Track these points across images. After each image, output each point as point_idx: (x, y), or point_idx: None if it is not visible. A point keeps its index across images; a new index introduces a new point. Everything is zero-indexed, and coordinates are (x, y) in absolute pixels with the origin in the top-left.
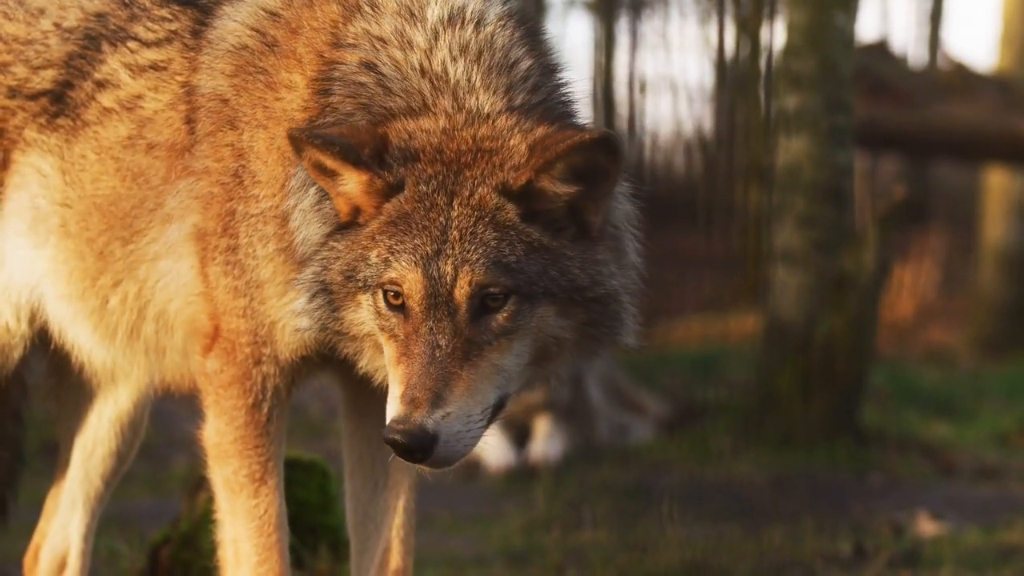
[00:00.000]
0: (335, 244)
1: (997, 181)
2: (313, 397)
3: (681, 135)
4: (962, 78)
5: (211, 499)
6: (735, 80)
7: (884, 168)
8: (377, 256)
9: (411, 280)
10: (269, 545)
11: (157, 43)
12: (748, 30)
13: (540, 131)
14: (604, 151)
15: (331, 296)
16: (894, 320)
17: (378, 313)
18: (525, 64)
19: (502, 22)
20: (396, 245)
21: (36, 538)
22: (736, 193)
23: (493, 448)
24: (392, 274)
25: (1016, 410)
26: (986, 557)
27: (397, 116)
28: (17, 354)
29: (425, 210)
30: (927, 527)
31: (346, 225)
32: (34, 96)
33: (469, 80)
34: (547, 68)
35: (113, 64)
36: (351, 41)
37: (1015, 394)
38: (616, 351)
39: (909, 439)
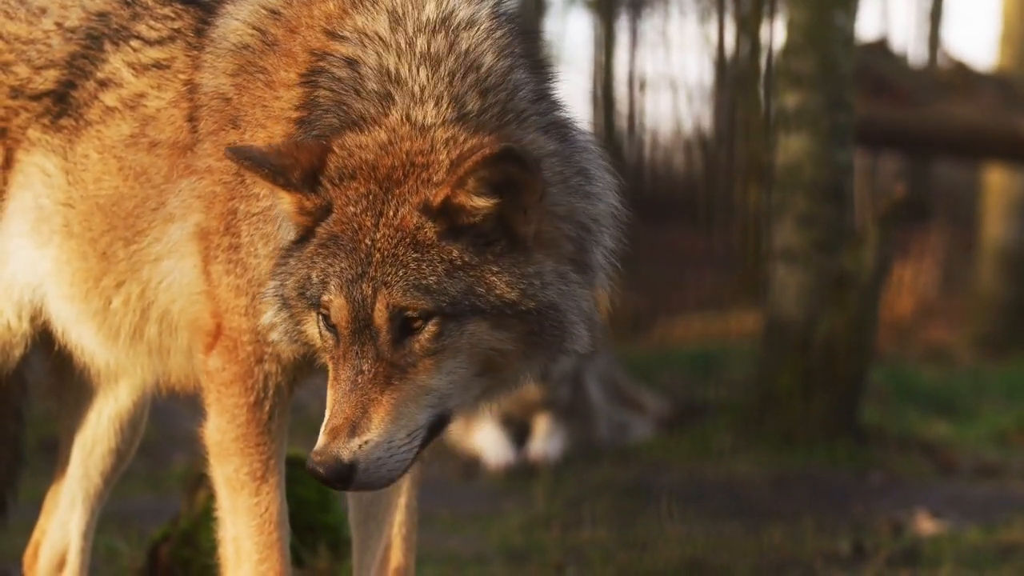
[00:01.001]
0: (290, 259)
1: (997, 180)
2: (313, 395)
3: (681, 134)
4: (962, 77)
5: (211, 497)
6: (735, 78)
7: (884, 167)
8: (316, 277)
9: (336, 305)
10: (270, 543)
11: (160, 41)
12: (748, 28)
13: (467, 144)
14: (512, 163)
15: (292, 310)
16: (894, 319)
17: (320, 334)
18: (494, 68)
19: (485, 25)
20: (328, 268)
21: (36, 535)
22: (736, 192)
23: (493, 447)
24: (324, 297)
25: (1016, 409)
26: (986, 556)
27: (351, 125)
28: (18, 353)
29: (352, 232)
30: (927, 526)
31: (299, 241)
32: (37, 96)
33: (422, 88)
34: (522, 70)
35: (116, 63)
36: (343, 34)
37: (1015, 393)
38: (614, 350)
39: (909, 438)
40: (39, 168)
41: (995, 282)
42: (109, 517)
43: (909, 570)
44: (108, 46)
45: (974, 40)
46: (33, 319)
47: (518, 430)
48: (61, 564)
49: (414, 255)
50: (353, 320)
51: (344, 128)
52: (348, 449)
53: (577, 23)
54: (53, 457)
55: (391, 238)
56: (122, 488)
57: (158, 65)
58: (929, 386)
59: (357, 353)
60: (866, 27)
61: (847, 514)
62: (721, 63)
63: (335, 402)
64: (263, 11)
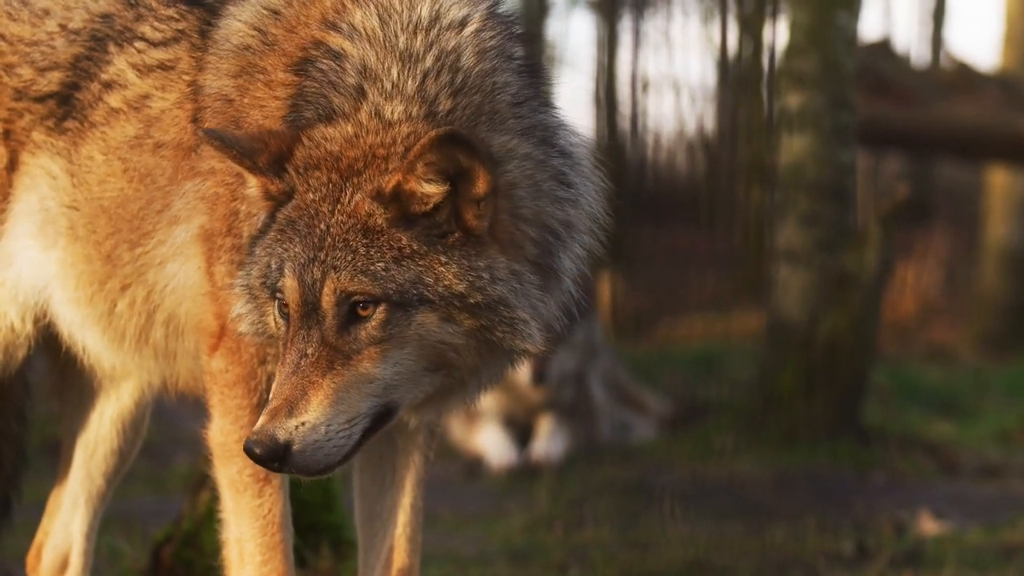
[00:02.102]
0: (255, 249)
1: (999, 180)
2: None
3: (684, 134)
4: (964, 77)
5: (214, 498)
6: (738, 79)
7: (887, 167)
8: (275, 263)
9: (289, 288)
10: (273, 544)
11: (164, 43)
12: (751, 29)
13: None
14: (459, 148)
15: (257, 301)
16: (896, 319)
17: (275, 321)
18: (474, 69)
19: (475, 26)
20: (284, 252)
21: (38, 536)
22: (738, 192)
23: (496, 447)
24: (280, 282)
25: (1018, 408)
26: (988, 556)
27: (325, 118)
28: (21, 354)
29: (309, 218)
30: (929, 526)
31: (263, 229)
32: (41, 98)
33: (393, 85)
34: (507, 73)
35: (120, 64)
36: (339, 24)
37: (1017, 392)
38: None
39: (911, 438)
40: (44, 170)
41: (997, 282)
42: (112, 518)
43: (912, 570)
44: (112, 47)
45: (977, 40)
46: (37, 321)
47: (521, 431)
48: (64, 565)
49: (364, 241)
50: (303, 303)
51: (318, 120)
52: (284, 429)
53: (580, 24)
54: (56, 458)
55: (343, 224)
56: (125, 489)
57: (162, 66)
58: (931, 386)
59: (304, 337)
60: (868, 27)
61: (849, 514)
62: (724, 63)
63: (278, 384)
64: (264, 11)
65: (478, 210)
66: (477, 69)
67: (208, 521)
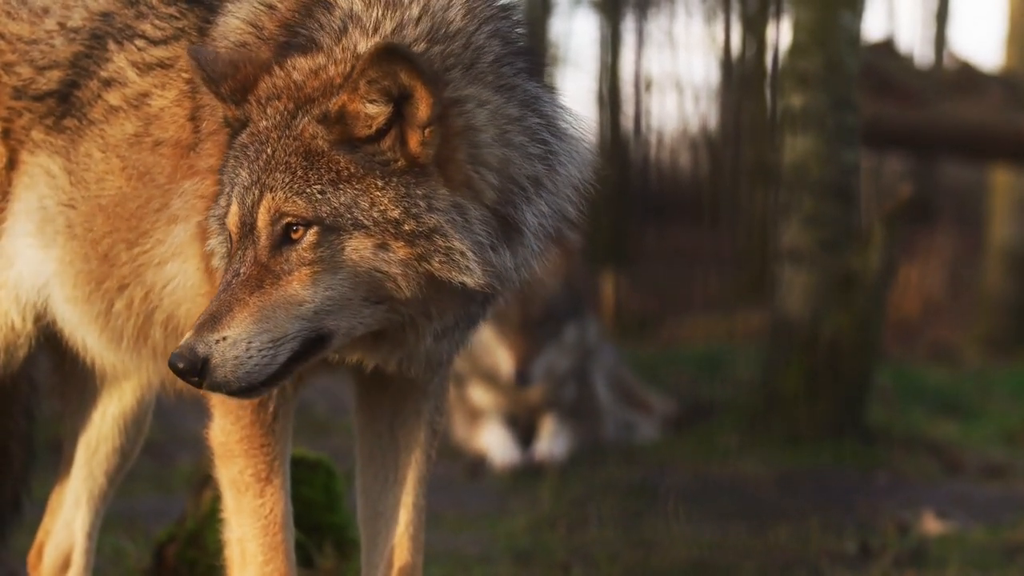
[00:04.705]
0: (222, 179)
1: (1003, 180)
2: (318, 395)
3: (687, 134)
4: (968, 77)
5: (216, 497)
6: (741, 79)
7: (890, 167)
8: (226, 191)
9: (232, 211)
10: (275, 545)
11: (164, 41)
12: (754, 29)
13: None
14: (399, 64)
15: (224, 233)
16: (900, 319)
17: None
18: (457, 25)
19: None
20: (233, 178)
21: (40, 535)
22: (742, 192)
23: (499, 446)
24: (226, 208)
25: (1022, 408)
26: (992, 556)
27: (304, 48)
28: (22, 353)
29: (259, 144)
30: (933, 526)
31: (224, 160)
32: (40, 97)
33: (373, 24)
34: (493, 38)
35: (120, 62)
36: None
37: (1022, 393)
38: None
39: (915, 438)
40: (43, 169)
41: (1001, 282)
42: (115, 517)
43: (915, 570)
44: (112, 45)
45: (980, 40)
46: (38, 320)
47: (524, 430)
48: (65, 564)
49: (303, 163)
50: (241, 225)
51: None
52: (205, 343)
53: (583, 23)
54: (59, 456)
55: (288, 147)
56: (128, 488)
57: (162, 64)
58: (935, 386)
59: (240, 257)
60: (872, 27)
61: (853, 514)
62: (727, 63)
63: (210, 302)
64: (260, 7)
65: (423, 137)
66: (461, 26)
67: (211, 520)
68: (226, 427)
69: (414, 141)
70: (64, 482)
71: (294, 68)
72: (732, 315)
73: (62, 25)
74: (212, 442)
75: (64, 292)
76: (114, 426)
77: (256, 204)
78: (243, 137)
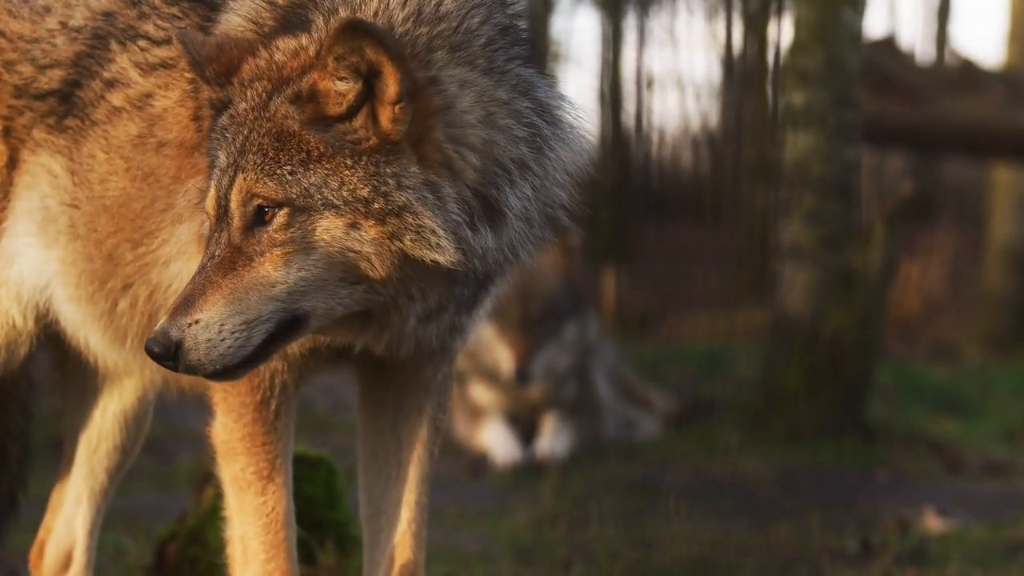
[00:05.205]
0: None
1: (1004, 177)
2: (319, 393)
3: (688, 131)
4: (969, 74)
5: (218, 495)
6: (742, 76)
7: (891, 164)
8: (206, 181)
9: (209, 194)
10: (277, 543)
11: (167, 40)
12: (755, 26)
13: None
14: (365, 39)
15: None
16: (901, 316)
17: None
18: (448, 8)
19: None
20: (213, 161)
21: (41, 533)
22: (743, 189)
23: (500, 444)
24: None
25: (1023, 406)
26: (993, 553)
27: (295, 28)
28: (23, 351)
29: (237, 126)
30: (934, 523)
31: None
32: (41, 95)
33: (361, 3)
34: (486, 25)
35: (123, 63)
36: None
37: (1022, 390)
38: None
39: (916, 435)
40: (45, 169)
41: (1002, 280)
42: (116, 515)
43: (916, 568)
44: (115, 45)
45: (981, 38)
46: (39, 319)
47: (525, 428)
48: (67, 562)
49: (275, 144)
50: (217, 207)
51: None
52: (177, 327)
53: (585, 21)
54: (59, 454)
55: (261, 128)
56: (129, 486)
57: (165, 64)
58: (936, 384)
59: (215, 240)
60: (873, 24)
61: (854, 511)
62: (728, 61)
63: (185, 285)
64: (261, 3)
65: (394, 113)
66: (452, 8)
67: (213, 518)
68: (228, 425)
69: (385, 118)
70: (65, 480)
71: (277, 49)
72: (733, 312)
73: (64, 24)
74: (214, 440)
75: (67, 292)
76: (115, 423)
77: (230, 186)
78: (223, 119)
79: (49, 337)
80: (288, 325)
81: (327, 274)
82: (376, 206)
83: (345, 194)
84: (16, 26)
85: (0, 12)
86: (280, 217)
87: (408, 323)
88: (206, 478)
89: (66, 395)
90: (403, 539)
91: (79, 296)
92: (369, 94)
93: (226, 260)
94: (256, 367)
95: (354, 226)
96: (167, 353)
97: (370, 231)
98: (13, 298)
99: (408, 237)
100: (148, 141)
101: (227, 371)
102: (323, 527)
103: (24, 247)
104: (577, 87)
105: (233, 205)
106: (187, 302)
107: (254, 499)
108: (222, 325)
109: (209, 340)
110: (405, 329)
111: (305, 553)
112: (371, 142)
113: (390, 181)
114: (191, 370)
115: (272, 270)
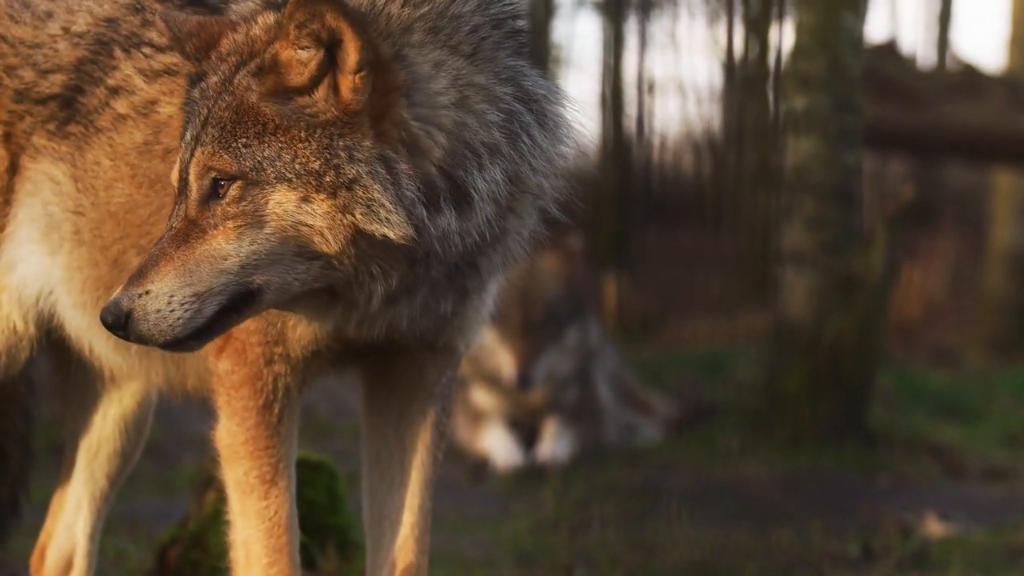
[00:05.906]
0: None
1: (1006, 182)
2: (321, 397)
3: (690, 136)
4: (971, 79)
5: (220, 499)
6: (744, 81)
7: (893, 169)
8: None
9: (174, 168)
10: (279, 547)
11: (171, 47)
12: (757, 31)
13: None
14: (324, 5)
15: None
16: (902, 321)
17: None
18: None
19: None
20: (183, 136)
21: (42, 538)
22: (744, 194)
23: (502, 449)
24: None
25: None
26: (994, 558)
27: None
28: (24, 356)
29: (204, 99)
30: (935, 528)
31: None
32: (42, 100)
33: None
34: (475, 13)
35: (127, 70)
36: None
37: (1023, 395)
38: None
39: (917, 440)
40: (47, 175)
41: (1003, 284)
42: (118, 519)
43: (918, 572)
44: (119, 52)
45: (983, 42)
46: (41, 324)
47: (527, 432)
48: (68, 567)
49: (234, 117)
50: (180, 181)
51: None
52: (128, 297)
53: (586, 25)
54: (60, 459)
55: (223, 102)
56: (131, 490)
57: (169, 71)
58: (937, 388)
59: (174, 213)
60: (875, 29)
61: (855, 516)
62: (730, 65)
63: (143, 257)
64: (261, 5)
65: (354, 83)
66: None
67: (214, 522)
68: (231, 429)
69: (345, 87)
70: (66, 484)
71: (255, 24)
72: (734, 317)
73: (66, 29)
74: (217, 444)
75: (71, 298)
76: (115, 428)
77: (190, 159)
78: (195, 92)
79: (50, 342)
80: (242, 299)
81: (281, 248)
82: (327, 179)
83: (298, 167)
84: (18, 31)
85: (2, 17)
86: (233, 190)
87: (372, 302)
88: (208, 482)
89: (67, 400)
90: (406, 543)
91: (84, 302)
92: (331, 64)
93: (181, 233)
94: (210, 339)
95: (306, 199)
96: (118, 323)
97: (322, 204)
98: (15, 303)
99: (359, 211)
100: (154, 148)
101: (177, 342)
102: (325, 532)
103: (27, 253)
104: (579, 91)
105: (191, 178)
106: (140, 273)
107: (257, 503)
108: (171, 296)
109: (158, 311)
110: (370, 309)
111: (307, 558)
112: (329, 114)
113: (342, 154)
114: (141, 340)
115: (224, 243)
